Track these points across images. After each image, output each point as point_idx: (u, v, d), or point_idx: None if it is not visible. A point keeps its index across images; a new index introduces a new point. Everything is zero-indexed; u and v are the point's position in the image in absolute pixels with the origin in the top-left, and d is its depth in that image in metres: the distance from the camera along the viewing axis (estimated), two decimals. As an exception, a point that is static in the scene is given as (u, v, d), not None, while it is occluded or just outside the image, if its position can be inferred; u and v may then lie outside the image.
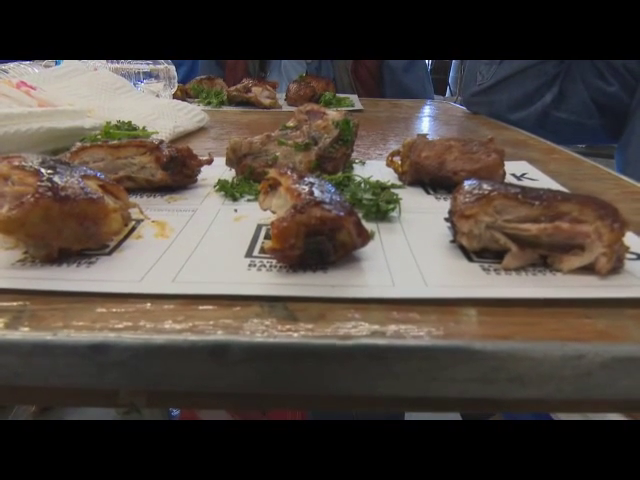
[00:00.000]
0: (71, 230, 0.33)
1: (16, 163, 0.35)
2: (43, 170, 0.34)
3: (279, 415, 1.09)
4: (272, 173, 0.38)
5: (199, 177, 0.51)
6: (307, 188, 0.34)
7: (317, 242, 0.32)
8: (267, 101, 1.07)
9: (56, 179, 0.33)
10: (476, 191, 0.35)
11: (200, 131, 0.81)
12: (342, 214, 0.32)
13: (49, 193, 0.32)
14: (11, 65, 0.77)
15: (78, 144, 0.47)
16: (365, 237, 0.33)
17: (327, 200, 0.32)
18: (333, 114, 0.55)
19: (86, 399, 0.32)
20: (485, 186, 0.35)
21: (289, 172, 0.37)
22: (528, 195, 0.34)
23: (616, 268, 0.32)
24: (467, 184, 0.36)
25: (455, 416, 1.06)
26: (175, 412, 1.21)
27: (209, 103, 1.09)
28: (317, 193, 0.33)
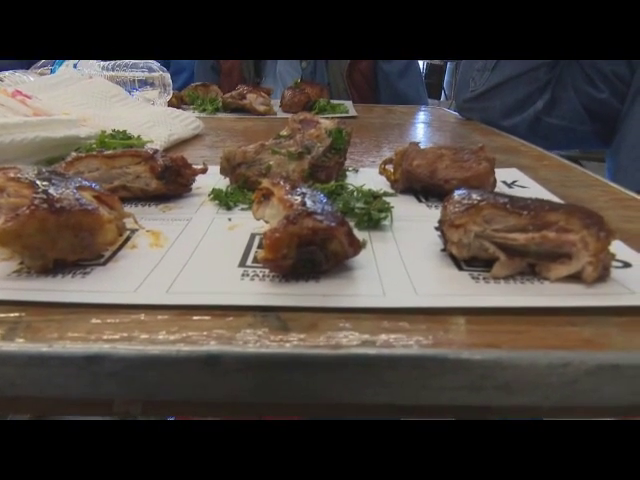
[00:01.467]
0: (66, 241, 0.33)
1: (11, 175, 0.35)
2: (38, 182, 0.34)
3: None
4: (265, 183, 0.39)
5: (193, 186, 0.52)
6: (299, 198, 0.34)
7: (309, 252, 0.32)
8: (262, 108, 1.07)
9: (51, 191, 0.34)
10: (465, 201, 0.35)
11: (195, 138, 0.82)
12: (333, 224, 0.32)
13: (45, 205, 0.32)
14: (6, 73, 0.77)
15: (73, 154, 0.47)
16: (357, 247, 0.34)
17: (319, 210, 0.33)
18: (326, 123, 0.55)
19: (81, 409, 0.32)
20: (474, 196, 0.35)
21: (282, 182, 0.38)
22: (516, 205, 0.34)
23: (602, 276, 0.33)
24: (457, 194, 0.37)
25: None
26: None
27: (204, 110, 1.10)
28: (309, 204, 0.34)
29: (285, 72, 1.46)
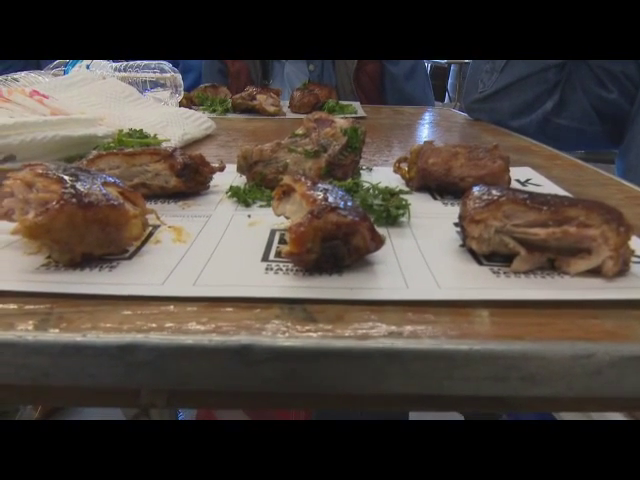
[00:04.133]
0: (94, 235, 0.34)
1: (39, 171, 0.36)
2: (66, 177, 0.35)
3: (281, 415, 1.10)
4: (286, 180, 0.39)
5: (210, 184, 0.52)
6: (322, 194, 0.35)
7: (333, 246, 0.33)
8: (271, 108, 1.08)
9: (79, 186, 0.34)
10: (485, 197, 0.36)
11: (207, 138, 0.83)
12: (357, 219, 0.33)
13: (73, 200, 0.33)
14: (22, 74, 0.78)
15: (94, 152, 0.48)
16: (379, 241, 0.34)
17: (342, 206, 0.34)
18: (341, 122, 0.56)
19: (107, 399, 0.33)
20: (494, 192, 0.36)
21: (303, 179, 0.38)
22: (536, 200, 0.35)
23: (622, 271, 0.33)
24: (476, 190, 0.37)
25: (458, 417, 1.07)
26: (182, 415, 1.22)
27: (214, 111, 1.11)
28: (332, 199, 0.34)
29: (293, 74, 1.46)
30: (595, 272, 0.33)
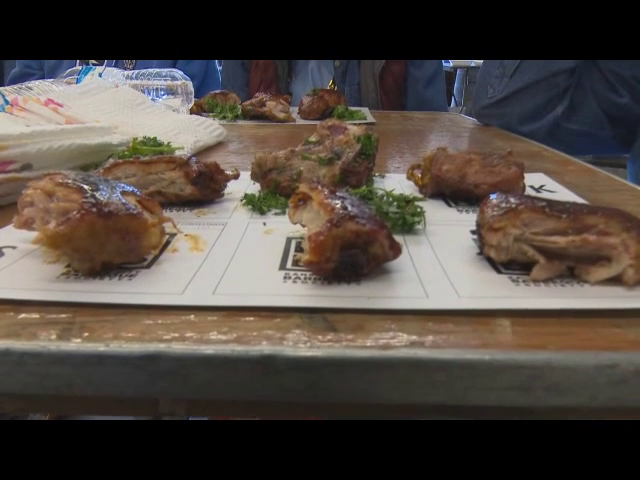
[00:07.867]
0: (114, 244, 0.34)
1: (59, 180, 0.36)
2: (86, 187, 0.35)
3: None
4: (302, 187, 0.39)
5: (225, 191, 0.52)
6: (340, 202, 0.35)
7: (352, 255, 0.33)
8: (281, 115, 1.08)
9: (99, 195, 0.35)
10: (503, 204, 0.36)
11: (219, 145, 0.83)
12: (376, 227, 0.33)
13: (94, 209, 0.33)
14: (36, 82, 0.79)
15: (111, 160, 0.48)
16: (397, 250, 0.34)
17: (360, 214, 0.34)
18: (354, 129, 0.56)
19: (126, 409, 0.33)
20: (512, 199, 0.36)
21: (320, 187, 0.38)
22: (554, 208, 0.35)
23: (643, 279, 0.33)
24: (494, 197, 0.37)
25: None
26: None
27: (224, 117, 1.11)
28: (350, 207, 0.34)
29: (316, 71, 1.47)
30: (615, 280, 0.33)
